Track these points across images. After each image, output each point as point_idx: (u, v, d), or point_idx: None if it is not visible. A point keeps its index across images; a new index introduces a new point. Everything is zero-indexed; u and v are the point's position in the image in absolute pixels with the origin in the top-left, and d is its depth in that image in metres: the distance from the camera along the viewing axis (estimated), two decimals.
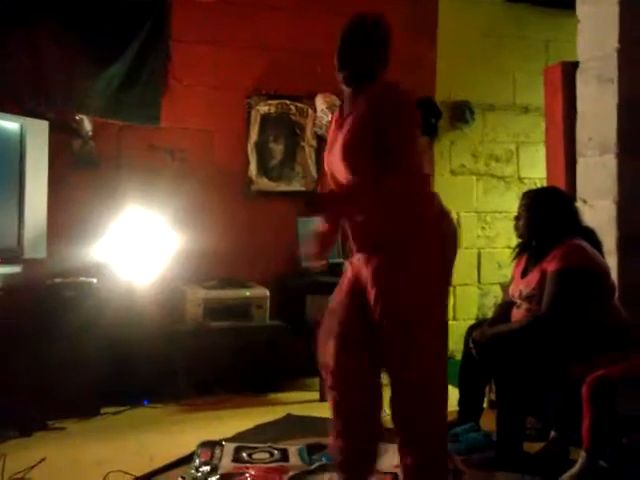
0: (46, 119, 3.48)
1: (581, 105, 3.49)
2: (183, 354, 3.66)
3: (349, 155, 2.05)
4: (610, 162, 3.29)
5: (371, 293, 2.00)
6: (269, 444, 2.86)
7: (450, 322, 4.81)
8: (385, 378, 2.09)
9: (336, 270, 2.55)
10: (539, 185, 4.70)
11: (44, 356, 3.20)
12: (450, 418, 3.02)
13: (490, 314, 3.40)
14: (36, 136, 3.34)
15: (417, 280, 1.97)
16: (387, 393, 2.08)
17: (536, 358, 2.65)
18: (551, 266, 2.71)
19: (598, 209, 3.33)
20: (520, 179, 5.07)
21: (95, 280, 3.51)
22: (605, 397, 2.38)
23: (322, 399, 3.68)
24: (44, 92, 3.74)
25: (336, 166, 2.13)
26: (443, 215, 2.14)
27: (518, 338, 2.69)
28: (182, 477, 2.57)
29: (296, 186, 4.41)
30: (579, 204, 3.28)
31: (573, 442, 2.61)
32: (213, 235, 3.96)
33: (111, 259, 3.76)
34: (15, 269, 3.19)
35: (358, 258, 2.10)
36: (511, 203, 4.68)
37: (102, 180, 3.92)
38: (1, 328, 3.08)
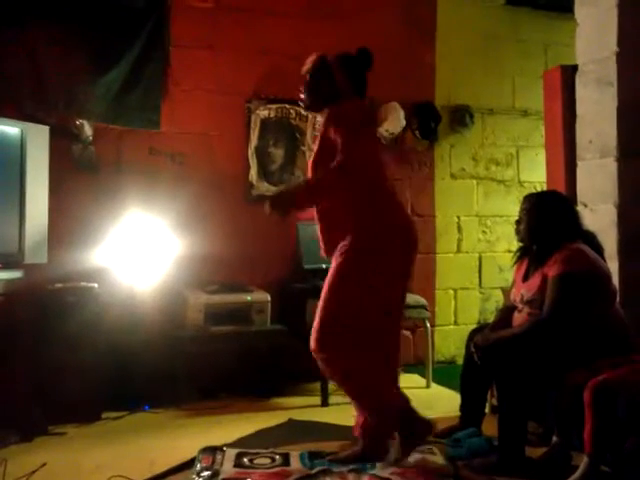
0: (46, 124, 3.48)
1: (581, 108, 3.48)
2: (184, 359, 3.64)
3: (313, 169, 2.67)
4: (610, 165, 3.29)
5: None
6: (271, 449, 2.85)
7: (451, 326, 4.85)
8: None
9: None
10: (539, 189, 4.71)
11: (45, 361, 3.20)
12: (452, 423, 3.05)
13: (491, 318, 3.39)
14: (37, 141, 3.34)
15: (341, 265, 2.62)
16: None
17: (538, 363, 2.65)
18: (552, 270, 2.70)
19: (599, 213, 3.32)
20: (520, 183, 5.07)
21: (96, 285, 3.51)
22: (607, 402, 2.37)
23: (324, 404, 3.68)
24: (44, 97, 3.75)
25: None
26: (394, 213, 2.66)
27: (520, 343, 2.68)
28: None
29: None
30: (580, 208, 3.27)
31: (575, 447, 2.60)
32: (214, 239, 3.97)
33: (112, 264, 3.76)
34: (16, 274, 3.19)
35: None
36: (511, 207, 4.70)
37: (103, 185, 3.92)
38: (2, 333, 3.08)
